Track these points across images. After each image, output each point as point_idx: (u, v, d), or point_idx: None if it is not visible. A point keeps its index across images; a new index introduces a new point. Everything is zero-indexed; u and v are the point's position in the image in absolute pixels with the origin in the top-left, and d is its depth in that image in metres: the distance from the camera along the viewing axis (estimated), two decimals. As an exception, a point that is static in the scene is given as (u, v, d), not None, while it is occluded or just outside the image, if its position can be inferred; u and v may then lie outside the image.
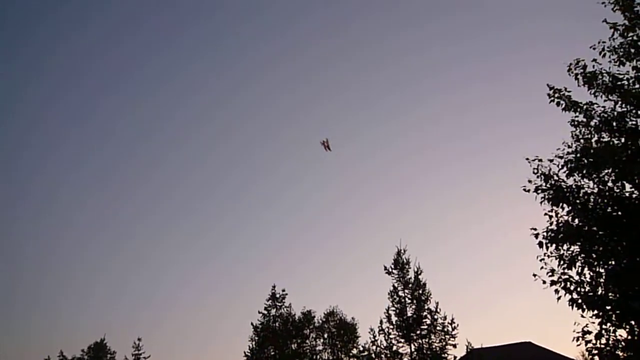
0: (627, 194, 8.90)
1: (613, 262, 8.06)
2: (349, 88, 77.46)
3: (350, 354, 24.95)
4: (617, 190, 9.14)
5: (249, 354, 24.03)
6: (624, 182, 8.72)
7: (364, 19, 75.94)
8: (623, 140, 9.27)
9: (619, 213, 8.77)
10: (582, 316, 8.39)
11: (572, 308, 8.41)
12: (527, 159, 10.01)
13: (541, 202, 9.78)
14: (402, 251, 19.05)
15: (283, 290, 25.27)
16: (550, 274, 8.87)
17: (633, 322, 6.89)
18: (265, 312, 24.91)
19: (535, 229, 9.65)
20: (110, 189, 78.78)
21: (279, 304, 24.43)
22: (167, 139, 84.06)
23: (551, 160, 9.73)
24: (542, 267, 9.05)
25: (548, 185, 9.53)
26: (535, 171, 9.87)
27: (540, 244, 9.56)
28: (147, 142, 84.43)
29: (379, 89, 77.92)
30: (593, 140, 9.75)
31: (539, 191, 9.76)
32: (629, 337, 7.32)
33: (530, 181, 9.96)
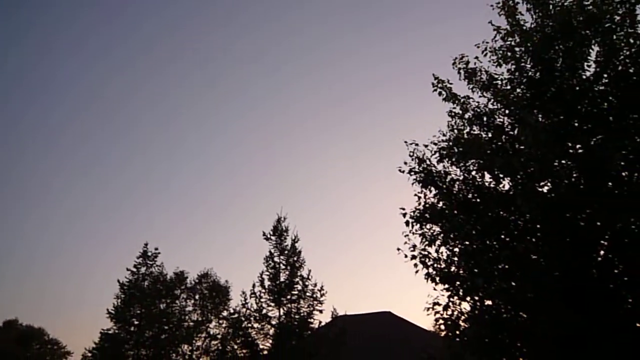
0: (486, 184, 9.85)
1: (467, 243, 8.83)
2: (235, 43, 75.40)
3: (220, 316, 25.00)
4: (479, 180, 10.07)
5: (112, 312, 23.12)
6: (485, 172, 9.61)
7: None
8: (490, 135, 10.14)
9: (477, 200, 9.68)
10: (435, 289, 9.24)
11: (427, 281, 9.22)
12: (406, 142, 10.62)
13: (412, 184, 10.48)
14: (282, 218, 19.35)
15: (156, 249, 24.54)
16: (412, 249, 9.62)
17: (476, 297, 7.70)
18: (135, 269, 24.07)
19: (403, 209, 10.33)
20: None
21: (150, 262, 23.69)
22: None
23: (426, 146, 10.42)
24: (405, 242, 9.77)
25: (420, 169, 10.21)
26: (411, 154, 10.51)
27: (407, 223, 10.27)
28: None
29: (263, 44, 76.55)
30: (465, 132, 10.57)
31: (412, 173, 10.42)
32: (471, 310, 8.22)
33: (405, 163, 10.61)
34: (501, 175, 9.22)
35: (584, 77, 9.19)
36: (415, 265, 9.36)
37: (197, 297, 25.96)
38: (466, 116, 10.66)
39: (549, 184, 7.32)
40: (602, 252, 7.71)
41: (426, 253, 9.46)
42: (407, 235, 9.78)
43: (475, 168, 10.09)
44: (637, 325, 7.17)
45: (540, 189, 7.25)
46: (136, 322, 23.25)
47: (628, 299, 7.59)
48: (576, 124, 9.22)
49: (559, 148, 7.47)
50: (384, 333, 25.08)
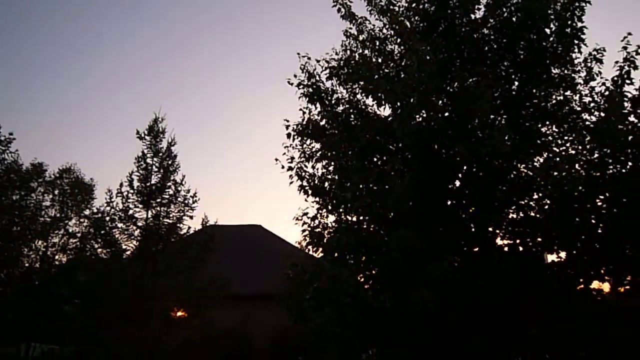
0: (368, 107, 10.15)
1: (344, 162, 9.10)
2: None
3: (82, 214, 23.62)
4: (362, 103, 10.33)
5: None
6: (370, 95, 9.85)
7: None
8: (380, 60, 10.31)
9: (358, 122, 9.96)
10: (306, 200, 9.58)
11: (300, 193, 9.50)
12: (298, 54, 10.42)
13: (300, 97, 10.44)
14: (160, 119, 18.29)
15: (10, 134, 21.98)
16: (289, 160, 9.76)
17: (342, 211, 8.11)
18: (-17, 154, 21.47)
19: (288, 121, 10.34)
20: None
21: (3, 148, 21.25)
22: None
23: (318, 61, 10.31)
24: (284, 154, 9.87)
25: (309, 83, 10.17)
26: (302, 67, 10.37)
27: (289, 135, 10.32)
28: None
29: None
30: (357, 54, 10.64)
31: (301, 86, 10.35)
32: (335, 222, 8.69)
33: (295, 76, 10.47)
34: (383, 101, 9.53)
35: (473, 18, 9.60)
36: (291, 176, 9.56)
37: (56, 192, 24.08)
38: (360, 38, 10.68)
39: (424, 114, 7.73)
40: (457, 184, 8.50)
41: (303, 167, 9.68)
42: (288, 147, 9.87)
43: (360, 91, 10.30)
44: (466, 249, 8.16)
45: (416, 118, 7.64)
46: (-17, 212, 21.13)
47: (470, 225, 8.56)
48: (458, 64, 9.74)
49: (440, 82, 7.86)
50: (253, 245, 25.77)
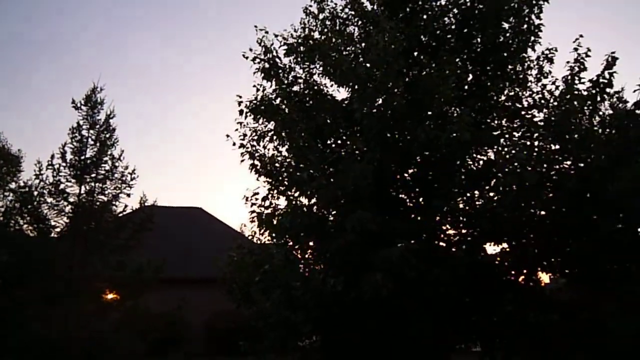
0: (326, 88, 9.89)
1: (300, 142, 8.76)
2: None
3: (7, 187, 21.98)
4: (319, 83, 10.04)
5: None
6: (328, 76, 9.58)
7: None
8: (340, 41, 10.05)
9: (313, 103, 9.67)
10: (257, 180, 9.21)
11: (251, 172, 9.12)
12: (256, 26, 9.96)
13: (254, 73, 10.00)
14: (99, 89, 17.11)
15: None
16: (242, 137, 9.34)
17: (295, 191, 7.83)
18: None
19: (240, 97, 9.88)
20: None
21: None
22: None
23: (276, 36, 9.91)
24: (236, 130, 9.43)
25: (266, 58, 9.75)
26: (259, 41, 9.93)
27: (241, 112, 9.88)
28: None
29: None
30: (316, 32, 10.33)
31: (256, 61, 9.92)
32: (287, 204, 8.38)
33: (251, 49, 10.02)
34: (343, 81, 9.30)
35: (437, 4, 9.53)
36: (242, 154, 9.14)
37: (-23, 162, 22.32)
38: (321, 16, 10.38)
39: (385, 96, 7.55)
40: (414, 170, 8.43)
41: (255, 145, 9.29)
42: (240, 123, 9.44)
43: (319, 71, 10.01)
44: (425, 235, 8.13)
45: (377, 100, 7.45)
46: None
47: (424, 212, 8.54)
48: (417, 51, 9.66)
49: (404, 63, 7.72)
50: (192, 228, 25.05)
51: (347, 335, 7.31)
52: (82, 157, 16.71)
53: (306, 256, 6.89)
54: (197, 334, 21.33)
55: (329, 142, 8.56)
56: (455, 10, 9.18)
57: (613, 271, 7.71)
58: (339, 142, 8.53)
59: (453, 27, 9.22)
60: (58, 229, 16.31)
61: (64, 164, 16.51)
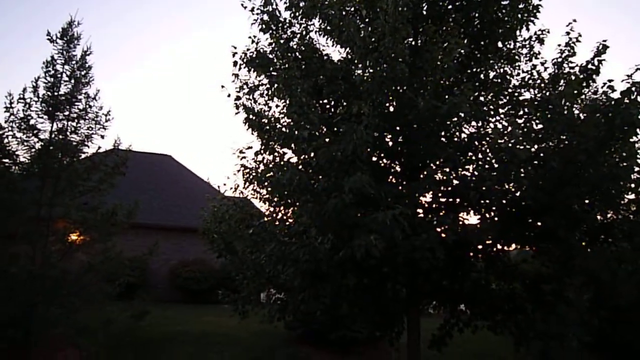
0: (321, 45, 9.84)
1: (303, 99, 8.70)
2: None
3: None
4: (315, 40, 9.97)
5: None
6: (327, 35, 9.52)
7: None
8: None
9: (312, 62, 9.61)
10: (252, 134, 9.20)
11: (245, 125, 9.09)
12: (256, -25, 9.72)
13: (252, 24, 9.83)
14: (76, 23, 16.32)
15: None
16: (238, 90, 9.24)
17: (293, 146, 7.89)
18: None
19: (235, 47, 9.72)
20: None
21: None
22: None
23: (277, -13, 9.72)
24: (233, 81, 9.31)
25: (266, 10, 9.57)
26: (260, -9, 9.73)
27: (235, 63, 9.75)
28: None
29: None
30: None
31: (254, 11, 9.73)
32: (279, 162, 8.46)
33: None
34: (344, 45, 9.26)
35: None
36: (237, 106, 9.07)
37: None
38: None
39: (389, 61, 7.58)
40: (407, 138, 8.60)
41: (250, 99, 9.23)
42: (236, 75, 9.32)
43: (316, 28, 9.92)
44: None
45: (383, 64, 7.50)
46: None
47: (413, 175, 8.79)
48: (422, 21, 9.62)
49: (412, 29, 7.74)
50: (162, 174, 24.79)
51: (328, 289, 7.61)
52: (56, 93, 16.05)
53: (301, 214, 7.02)
54: (161, 281, 21.49)
55: (326, 102, 8.59)
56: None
57: (579, 249, 8.24)
58: (338, 104, 8.58)
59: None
60: (26, 166, 15.86)
61: (35, 99, 15.89)
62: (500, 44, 10.04)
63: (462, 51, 9.61)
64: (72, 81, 16.34)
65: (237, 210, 9.34)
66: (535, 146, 7.77)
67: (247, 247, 8.68)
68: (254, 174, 8.41)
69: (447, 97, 7.48)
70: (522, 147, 6.62)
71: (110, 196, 15.91)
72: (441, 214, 7.93)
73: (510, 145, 6.66)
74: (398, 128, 7.94)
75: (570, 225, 7.54)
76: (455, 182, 8.61)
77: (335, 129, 7.63)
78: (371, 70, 7.57)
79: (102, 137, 16.79)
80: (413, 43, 8.85)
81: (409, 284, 8.66)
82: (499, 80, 9.86)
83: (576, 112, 7.86)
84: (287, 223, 8.03)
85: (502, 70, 10.16)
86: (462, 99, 7.07)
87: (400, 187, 7.76)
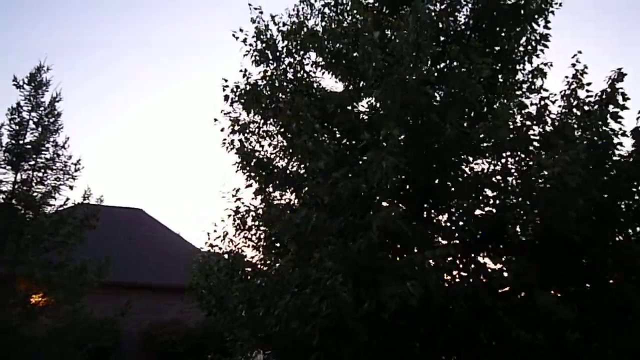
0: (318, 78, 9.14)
1: (316, 126, 7.82)
2: None
3: None
4: (312, 72, 9.28)
5: None
6: (326, 69, 8.85)
7: None
8: (334, 25, 9.31)
9: (313, 91, 8.85)
10: (243, 174, 8.23)
11: (237, 166, 8.13)
12: (250, 5, 9.06)
13: (244, 55, 9.08)
14: (45, 68, 15.36)
15: None
16: (233, 124, 8.34)
17: (292, 189, 6.97)
18: None
19: (226, 80, 8.90)
20: None
21: None
22: None
23: (273, 16, 9.05)
24: (227, 113, 8.44)
25: (262, 39, 8.85)
26: (253, 21, 9.04)
27: (226, 97, 8.92)
28: None
29: None
30: (311, 21, 9.56)
31: (247, 43, 9.02)
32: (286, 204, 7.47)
33: (241, 30, 9.10)
34: (340, 77, 8.58)
35: None
36: (231, 142, 8.13)
37: None
38: (317, 4, 9.64)
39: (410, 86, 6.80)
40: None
41: (240, 138, 8.35)
42: (229, 113, 8.48)
43: (312, 62, 9.26)
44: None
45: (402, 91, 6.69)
46: None
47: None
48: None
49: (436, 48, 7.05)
50: (134, 229, 23.37)
51: (350, 349, 6.41)
52: (21, 142, 14.87)
53: (319, 262, 5.90)
54: (134, 344, 19.67)
55: (336, 131, 7.74)
56: (470, 6, 8.63)
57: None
58: (350, 134, 7.71)
59: (470, 21, 8.65)
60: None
61: (-2, 148, 14.65)
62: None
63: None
64: (39, 129, 15.13)
65: (228, 261, 8.20)
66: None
67: (241, 302, 7.49)
68: (252, 214, 7.38)
69: (476, 125, 6.68)
70: (571, 175, 5.82)
71: (78, 252, 14.48)
72: (472, 255, 6.94)
73: (558, 172, 5.84)
74: (421, 160, 7.04)
75: (617, 263, 6.69)
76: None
77: (356, 159, 6.71)
78: (388, 97, 6.72)
79: (71, 187, 15.46)
80: (438, 63, 8.12)
81: (423, 337, 7.49)
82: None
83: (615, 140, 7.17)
84: (291, 271, 6.72)
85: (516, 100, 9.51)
86: (498, 123, 6.29)
87: (433, 224, 6.81)
